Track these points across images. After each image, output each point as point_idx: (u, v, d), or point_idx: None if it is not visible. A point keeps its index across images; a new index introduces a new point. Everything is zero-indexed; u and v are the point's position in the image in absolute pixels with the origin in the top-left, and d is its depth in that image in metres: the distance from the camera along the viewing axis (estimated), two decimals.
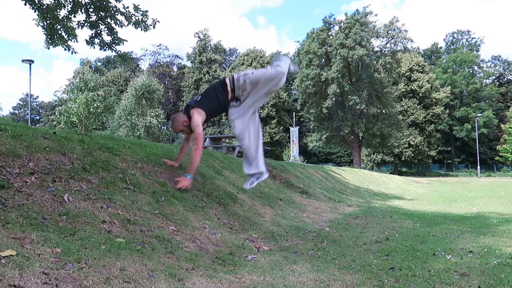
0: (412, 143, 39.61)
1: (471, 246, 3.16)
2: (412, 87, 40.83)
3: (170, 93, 52.64)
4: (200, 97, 3.67)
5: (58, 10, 6.48)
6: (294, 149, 23.22)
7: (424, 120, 40.89)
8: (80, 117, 24.86)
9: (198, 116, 3.52)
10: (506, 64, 52.37)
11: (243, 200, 4.46)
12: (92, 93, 25.23)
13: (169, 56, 55.44)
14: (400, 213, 5.61)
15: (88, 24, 6.82)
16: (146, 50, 64.64)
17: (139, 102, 27.12)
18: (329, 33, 32.28)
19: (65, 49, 6.95)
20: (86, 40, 7.00)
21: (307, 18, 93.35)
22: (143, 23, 6.87)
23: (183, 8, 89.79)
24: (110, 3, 6.57)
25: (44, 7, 6.29)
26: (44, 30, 6.66)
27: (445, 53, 53.78)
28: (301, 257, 2.81)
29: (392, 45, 32.00)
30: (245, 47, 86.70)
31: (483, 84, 48.89)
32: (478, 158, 33.07)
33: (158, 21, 7.04)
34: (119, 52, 7.43)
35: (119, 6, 6.73)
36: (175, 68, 55.72)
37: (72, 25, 6.76)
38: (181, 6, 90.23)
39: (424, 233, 3.83)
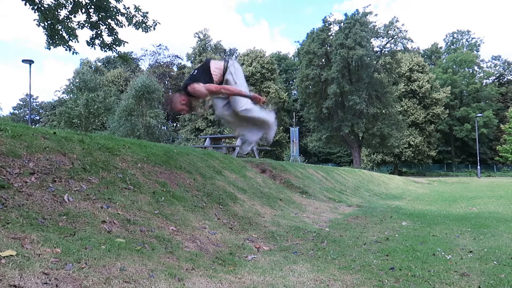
0: (412, 143, 39.62)
1: (471, 246, 3.16)
2: (412, 87, 40.84)
3: (170, 93, 52.58)
4: (196, 71, 3.36)
5: (58, 10, 6.48)
6: (294, 149, 23.20)
7: (424, 120, 40.89)
8: (80, 118, 24.86)
9: (200, 84, 3.19)
10: (506, 64, 52.34)
11: (243, 200, 4.46)
12: (92, 94, 25.20)
13: (169, 56, 55.48)
14: (400, 213, 5.61)
15: (89, 25, 6.81)
16: (146, 50, 64.60)
17: (139, 102, 27.10)
18: (329, 33, 32.30)
19: (66, 50, 6.95)
20: (87, 41, 7.00)
21: (299, 18, 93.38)
22: (144, 24, 6.87)
23: (182, 6, 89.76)
24: (111, 3, 6.57)
25: (45, 7, 6.29)
26: (45, 30, 6.66)
27: (445, 53, 53.76)
28: (301, 257, 2.81)
29: (392, 45, 32.01)
30: (237, 43, 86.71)
31: (483, 84, 48.86)
32: (478, 158, 33.06)
33: (159, 23, 7.04)
34: (120, 52, 7.43)
35: (120, 6, 6.73)
36: (175, 68, 55.74)
37: (72, 26, 6.76)
38: (179, 4, 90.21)
39: (424, 233, 3.83)
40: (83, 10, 6.61)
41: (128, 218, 2.68)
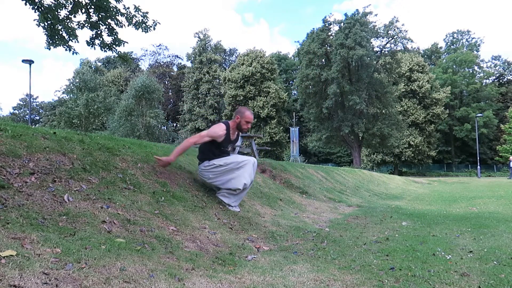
0: (412, 143, 39.65)
1: (471, 246, 3.16)
2: (412, 87, 40.87)
3: (170, 93, 52.66)
4: None
5: (58, 10, 6.48)
6: (294, 149, 23.21)
7: (424, 120, 40.92)
8: (80, 118, 24.88)
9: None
10: (506, 64, 52.39)
11: (243, 200, 4.46)
12: (92, 94, 25.22)
13: (169, 56, 55.52)
14: (400, 213, 5.61)
15: (89, 25, 6.82)
16: (146, 50, 64.72)
17: (139, 102, 27.13)
18: (329, 33, 32.31)
19: (66, 50, 6.95)
20: (87, 41, 7.00)
21: (299, 18, 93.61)
22: (144, 24, 6.88)
23: (182, 6, 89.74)
24: (111, 3, 6.57)
25: (45, 6, 6.29)
26: (45, 30, 6.66)
27: (445, 53, 53.81)
28: (301, 257, 2.81)
29: (392, 45, 32.02)
30: (237, 43, 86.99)
31: (483, 84, 48.92)
32: (478, 158, 33.08)
33: (159, 23, 7.04)
34: (120, 52, 7.43)
35: (120, 6, 6.73)
36: (175, 68, 55.76)
37: (72, 26, 6.76)
38: (179, 4, 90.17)
39: (424, 233, 3.83)
40: (83, 10, 6.61)
41: (128, 218, 2.68)
